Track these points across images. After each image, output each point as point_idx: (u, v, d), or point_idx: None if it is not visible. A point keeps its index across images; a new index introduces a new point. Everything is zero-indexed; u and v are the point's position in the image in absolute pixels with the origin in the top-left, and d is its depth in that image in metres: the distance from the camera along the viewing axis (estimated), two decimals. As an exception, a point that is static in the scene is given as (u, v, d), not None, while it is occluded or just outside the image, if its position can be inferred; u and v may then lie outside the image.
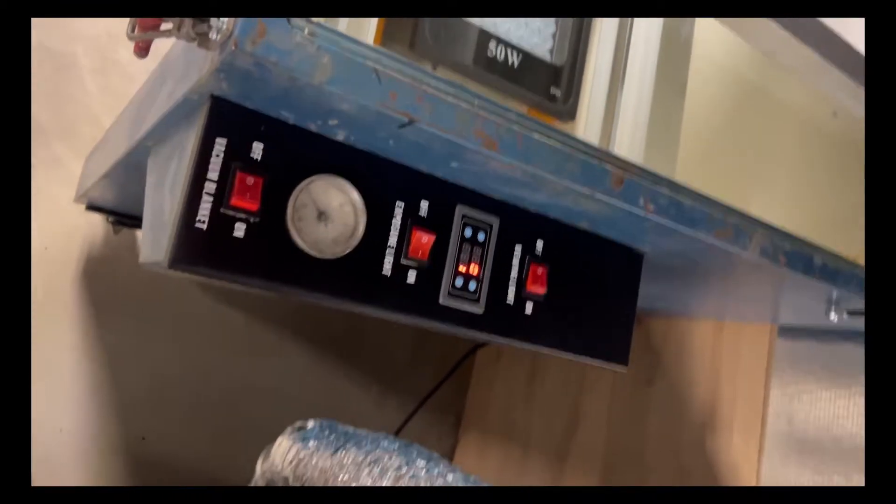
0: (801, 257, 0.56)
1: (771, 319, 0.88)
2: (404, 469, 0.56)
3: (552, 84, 0.88)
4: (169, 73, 0.48)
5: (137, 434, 1.05)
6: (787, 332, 0.88)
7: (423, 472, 0.55)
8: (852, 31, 0.61)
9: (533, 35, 0.92)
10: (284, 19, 0.33)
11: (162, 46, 0.50)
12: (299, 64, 0.34)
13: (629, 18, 0.88)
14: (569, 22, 0.92)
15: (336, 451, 0.64)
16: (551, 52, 0.92)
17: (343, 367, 1.23)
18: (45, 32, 0.98)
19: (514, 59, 0.85)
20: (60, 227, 0.99)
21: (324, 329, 1.21)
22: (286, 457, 0.67)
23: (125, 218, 0.95)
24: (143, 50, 0.45)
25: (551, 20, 0.93)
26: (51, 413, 0.97)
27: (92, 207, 0.93)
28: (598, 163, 0.44)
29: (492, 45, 0.80)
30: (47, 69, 0.99)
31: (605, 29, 0.85)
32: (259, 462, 0.72)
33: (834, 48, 0.60)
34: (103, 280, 1.02)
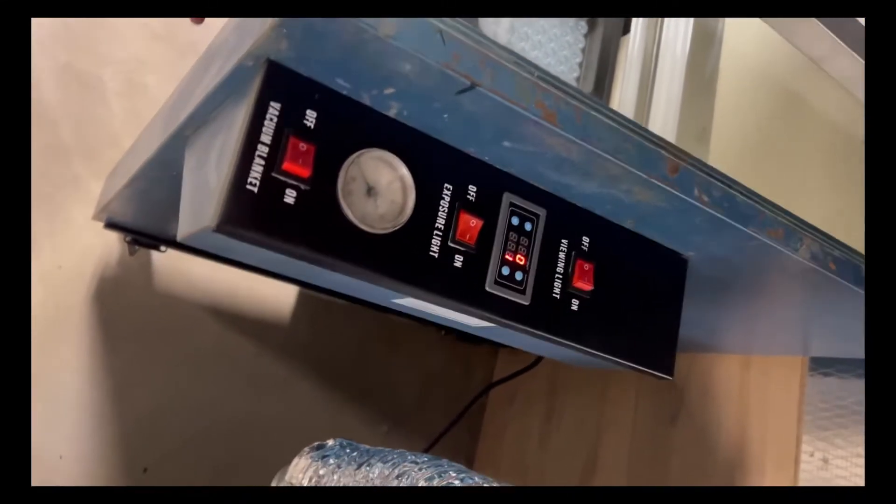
0: (850, 266, 0.54)
1: (802, 351, 0.85)
2: (436, 480, 0.53)
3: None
4: (215, 57, 0.47)
5: (139, 465, 1.01)
6: (819, 365, 0.85)
7: (457, 483, 0.52)
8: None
9: (560, 63, 0.92)
10: (353, -30, 0.33)
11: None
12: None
13: (655, 38, 0.89)
14: (595, 51, 0.93)
15: (360, 466, 0.60)
16: (578, 80, 0.93)
17: (351, 404, 1.19)
18: (75, 54, 0.99)
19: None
20: (75, 246, 0.97)
21: (332, 364, 1.17)
22: (305, 474, 0.64)
23: (142, 237, 0.94)
24: (200, 20, 0.45)
25: (578, 49, 0.93)
26: (51, 438, 0.93)
27: (110, 225, 0.92)
28: (654, 147, 0.43)
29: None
30: (74, 90, 0.99)
31: (632, 53, 0.86)
32: (274, 482, 0.68)
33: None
34: (115, 302, 1.00)
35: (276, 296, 1.13)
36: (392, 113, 0.41)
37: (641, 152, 0.42)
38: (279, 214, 0.37)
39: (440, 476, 0.53)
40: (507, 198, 0.46)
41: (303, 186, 0.38)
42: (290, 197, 0.38)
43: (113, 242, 0.99)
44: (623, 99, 0.89)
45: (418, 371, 1.28)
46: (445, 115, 0.40)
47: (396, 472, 0.56)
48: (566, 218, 0.49)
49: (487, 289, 0.45)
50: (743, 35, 0.88)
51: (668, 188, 0.44)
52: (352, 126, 0.40)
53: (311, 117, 0.39)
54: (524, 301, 0.46)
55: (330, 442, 0.69)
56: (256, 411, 1.10)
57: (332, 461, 0.64)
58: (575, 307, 0.48)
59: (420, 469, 0.55)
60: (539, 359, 1.15)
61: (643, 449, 1.02)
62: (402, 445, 1.23)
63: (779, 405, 0.87)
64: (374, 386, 1.22)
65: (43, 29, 0.97)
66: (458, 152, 0.44)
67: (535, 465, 1.18)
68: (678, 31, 0.90)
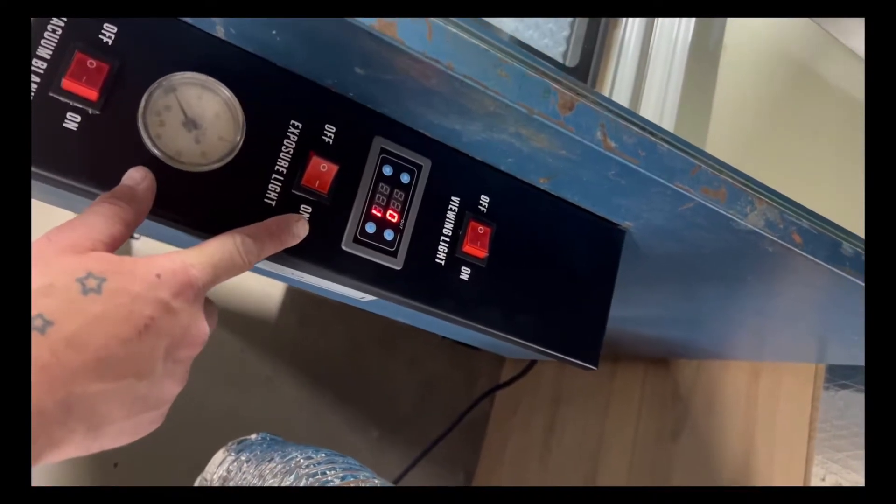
0: (823, 241, 0.44)
1: (816, 357, 0.74)
2: (317, 476, 0.46)
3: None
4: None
5: (110, 459, 0.97)
6: (836, 376, 0.73)
7: (337, 480, 0.45)
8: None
9: (544, 37, 0.85)
10: None
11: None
12: None
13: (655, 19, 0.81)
14: (584, 25, 0.85)
15: (261, 462, 0.54)
16: (564, 55, 0.85)
17: (339, 407, 1.13)
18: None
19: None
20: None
21: (321, 363, 1.12)
22: (220, 468, 0.58)
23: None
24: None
25: (565, 23, 0.86)
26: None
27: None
28: (537, 76, 0.35)
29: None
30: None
31: (630, 31, 0.77)
32: (199, 478, 0.63)
33: None
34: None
35: (262, 288, 1.09)
36: (220, 34, 0.35)
37: (520, 81, 0.35)
38: (56, 141, 0.32)
39: (323, 474, 0.46)
40: (379, 143, 0.39)
41: (90, 111, 0.32)
42: (71, 122, 0.32)
43: (90, 228, 0.97)
44: (620, 77, 0.81)
45: (416, 376, 1.21)
46: (274, 31, 0.34)
47: (287, 468, 0.49)
48: (459, 172, 0.42)
49: (344, 247, 0.38)
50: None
51: (561, 129, 0.36)
52: (166, 46, 0.34)
53: (109, 32, 0.33)
54: (395, 265, 0.39)
55: (253, 436, 0.63)
56: (237, 410, 1.05)
57: (243, 456, 0.58)
58: (465, 276, 0.41)
59: (308, 467, 0.48)
60: (532, 363, 1.06)
61: (644, 466, 0.92)
62: (394, 453, 1.16)
63: (788, 420, 0.76)
64: (366, 389, 1.16)
65: None
66: (312, 85, 0.38)
67: (535, 481, 1.09)
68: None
